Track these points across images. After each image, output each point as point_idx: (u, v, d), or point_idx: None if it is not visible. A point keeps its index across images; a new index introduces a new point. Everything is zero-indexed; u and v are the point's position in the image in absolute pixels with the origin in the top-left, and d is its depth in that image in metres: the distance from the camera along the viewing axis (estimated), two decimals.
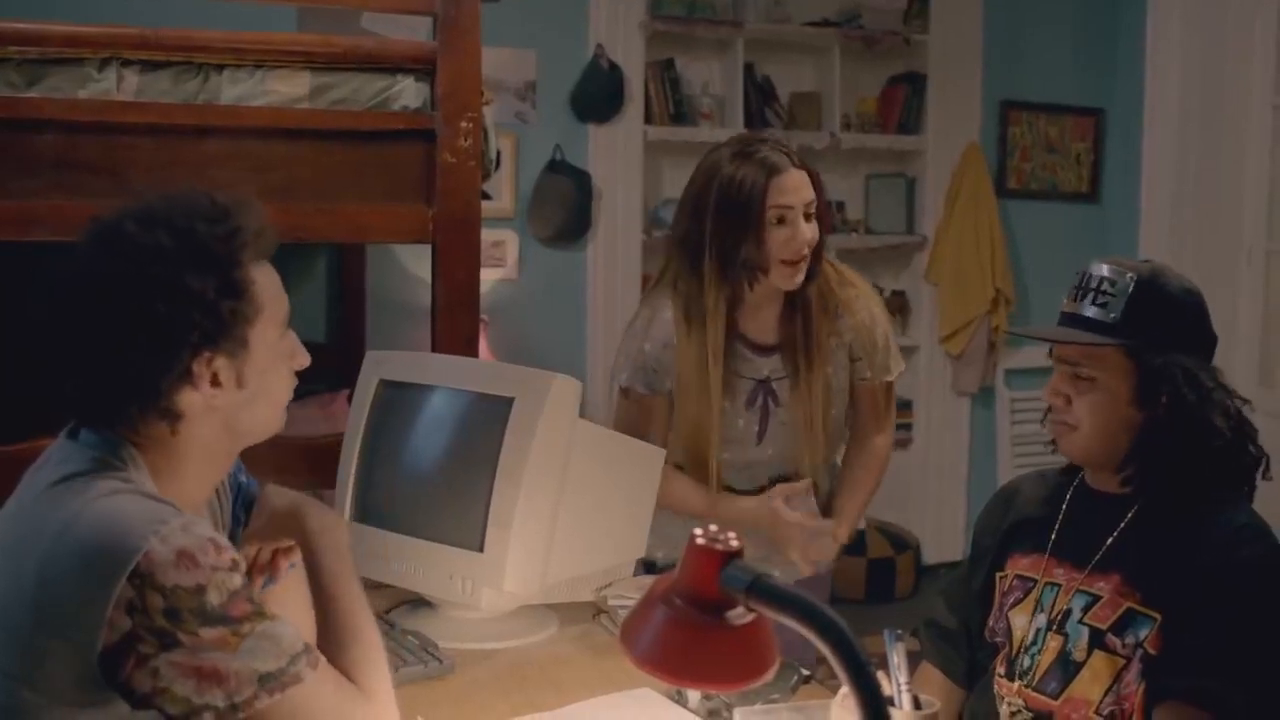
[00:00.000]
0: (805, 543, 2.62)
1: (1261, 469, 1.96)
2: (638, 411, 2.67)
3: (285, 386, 1.66)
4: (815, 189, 2.54)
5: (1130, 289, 1.91)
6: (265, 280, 1.59)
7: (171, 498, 1.52)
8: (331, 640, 1.61)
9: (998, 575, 2.12)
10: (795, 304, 2.60)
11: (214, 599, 1.40)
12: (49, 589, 1.40)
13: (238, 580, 1.44)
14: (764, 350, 2.64)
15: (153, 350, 1.49)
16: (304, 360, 1.67)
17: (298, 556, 1.76)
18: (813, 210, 2.52)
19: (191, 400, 1.53)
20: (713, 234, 2.51)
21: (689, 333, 2.57)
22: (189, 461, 1.58)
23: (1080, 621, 1.94)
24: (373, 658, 1.61)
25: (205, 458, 1.60)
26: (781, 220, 2.48)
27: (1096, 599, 1.94)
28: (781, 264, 2.50)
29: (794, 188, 2.50)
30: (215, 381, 1.54)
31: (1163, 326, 1.91)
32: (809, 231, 2.50)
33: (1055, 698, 1.94)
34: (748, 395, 2.64)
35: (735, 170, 2.50)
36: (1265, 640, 1.83)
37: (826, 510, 2.73)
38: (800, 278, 2.53)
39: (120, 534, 1.40)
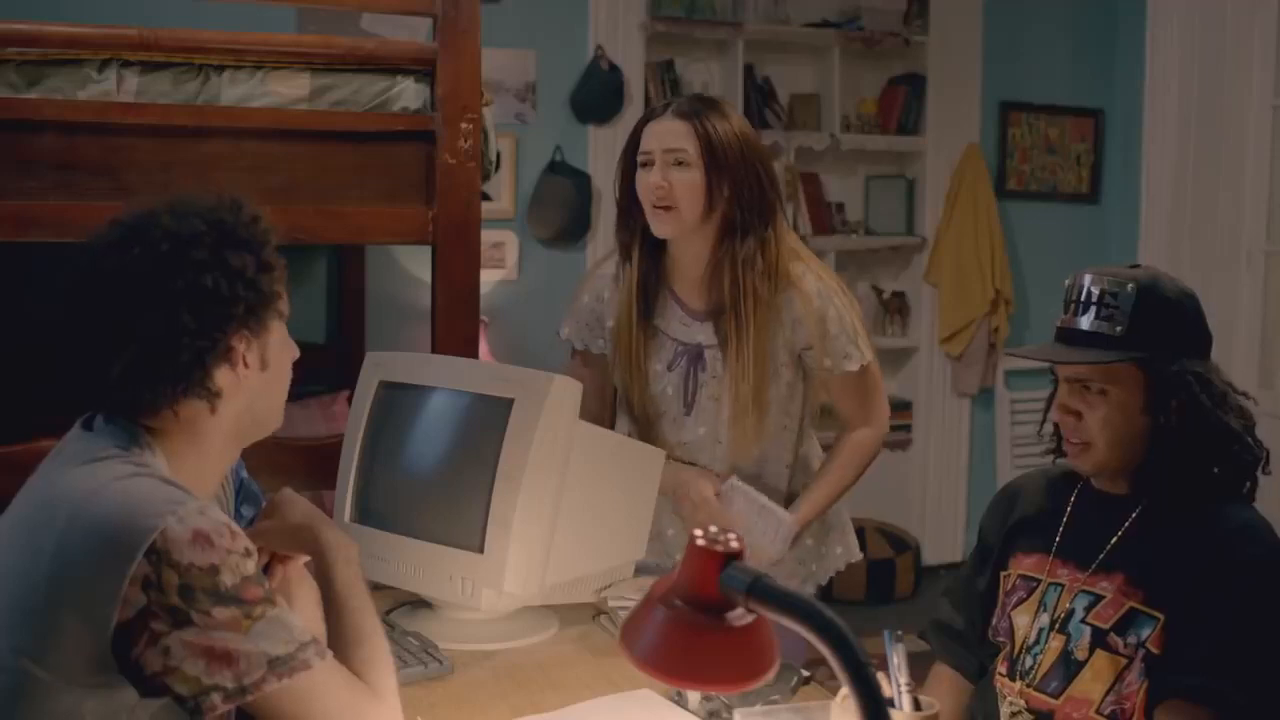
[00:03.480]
0: (708, 519, 2.47)
1: (1262, 464, 1.97)
2: (570, 364, 2.70)
3: (289, 375, 1.72)
4: (701, 141, 2.46)
5: (1134, 299, 1.91)
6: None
7: (198, 484, 1.57)
8: (341, 642, 1.63)
9: (1001, 574, 2.12)
10: (722, 266, 2.51)
11: (227, 580, 1.43)
12: (66, 564, 1.43)
13: (250, 566, 1.47)
14: (698, 315, 2.58)
15: (201, 326, 1.55)
16: (296, 352, 1.74)
17: (297, 565, 1.79)
18: (686, 158, 2.46)
19: (228, 379, 1.60)
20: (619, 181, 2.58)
21: (619, 281, 2.61)
22: (208, 445, 1.63)
23: (1083, 621, 1.94)
24: (380, 659, 1.64)
25: (223, 443, 1.65)
26: (644, 165, 2.50)
27: (1099, 599, 1.94)
28: (649, 208, 2.50)
29: (657, 133, 2.50)
30: (245, 361, 1.61)
31: (1168, 333, 1.92)
32: (658, 176, 2.47)
33: (1056, 697, 1.94)
34: (671, 358, 2.59)
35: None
36: (1267, 640, 1.84)
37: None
38: (663, 226, 2.49)
39: (138, 512, 1.43)
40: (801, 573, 2.72)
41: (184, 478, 1.56)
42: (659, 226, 2.50)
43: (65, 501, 1.48)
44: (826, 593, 2.82)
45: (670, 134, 2.48)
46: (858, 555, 2.84)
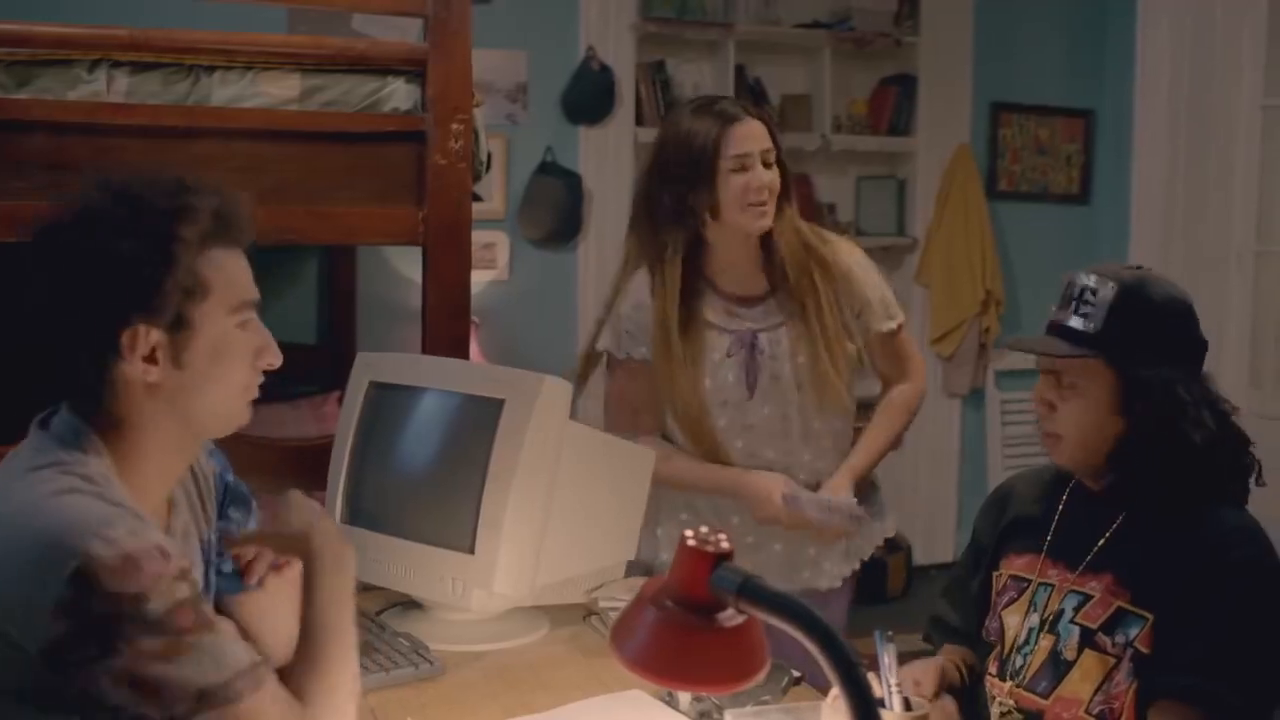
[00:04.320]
0: (789, 522, 2.58)
1: (1255, 476, 1.97)
2: (615, 378, 2.71)
3: (242, 379, 1.62)
4: (773, 138, 2.59)
5: (1112, 299, 1.91)
6: (225, 264, 1.57)
7: (135, 488, 1.51)
8: (306, 665, 1.58)
9: (994, 575, 2.13)
10: (776, 252, 2.62)
11: (156, 606, 1.37)
12: None
13: (184, 591, 1.41)
14: (746, 302, 2.65)
15: (77, 312, 1.49)
16: (272, 358, 1.64)
17: (291, 573, 1.73)
18: (771, 158, 2.57)
19: (124, 374, 1.52)
20: (668, 185, 2.57)
21: (653, 286, 2.62)
22: (146, 448, 1.56)
23: (1071, 621, 1.95)
24: (341, 689, 1.58)
25: (161, 445, 1.57)
26: (742, 168, 2.54)
27: (1088, 598, 1.94)
28: (749, 207, 2.55)
29: (750, 135, 2.55)
30: (152, 358, 1.52)
31: (1145, 335, 1.92)
32: (767, 175, 2.55)
33: (1045, 697, 1.95)
34: (729, 344, 2.63)
35: (692, 124, 2.57)
36: (1257, 640, 1.84)
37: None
38: (766, 221, 2.57)
39: (65, 535, 1.38)
40: (849, 546, 2.76)
41: (133, 481, 1.52)
42: (762, 223, 2.57)
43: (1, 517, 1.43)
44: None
45: (760, 135, 2.57)
46: (894, 530, 2.92)
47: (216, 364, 1.57)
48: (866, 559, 2.81)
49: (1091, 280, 1.95)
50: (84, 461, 1.50)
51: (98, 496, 1.45)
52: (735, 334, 2.63)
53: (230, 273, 1.58)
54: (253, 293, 1.62)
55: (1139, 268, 2.01)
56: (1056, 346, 1.95)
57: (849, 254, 2.70)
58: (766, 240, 2.62)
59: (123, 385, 1.53)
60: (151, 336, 1.51)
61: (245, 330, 1.60)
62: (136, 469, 1.55)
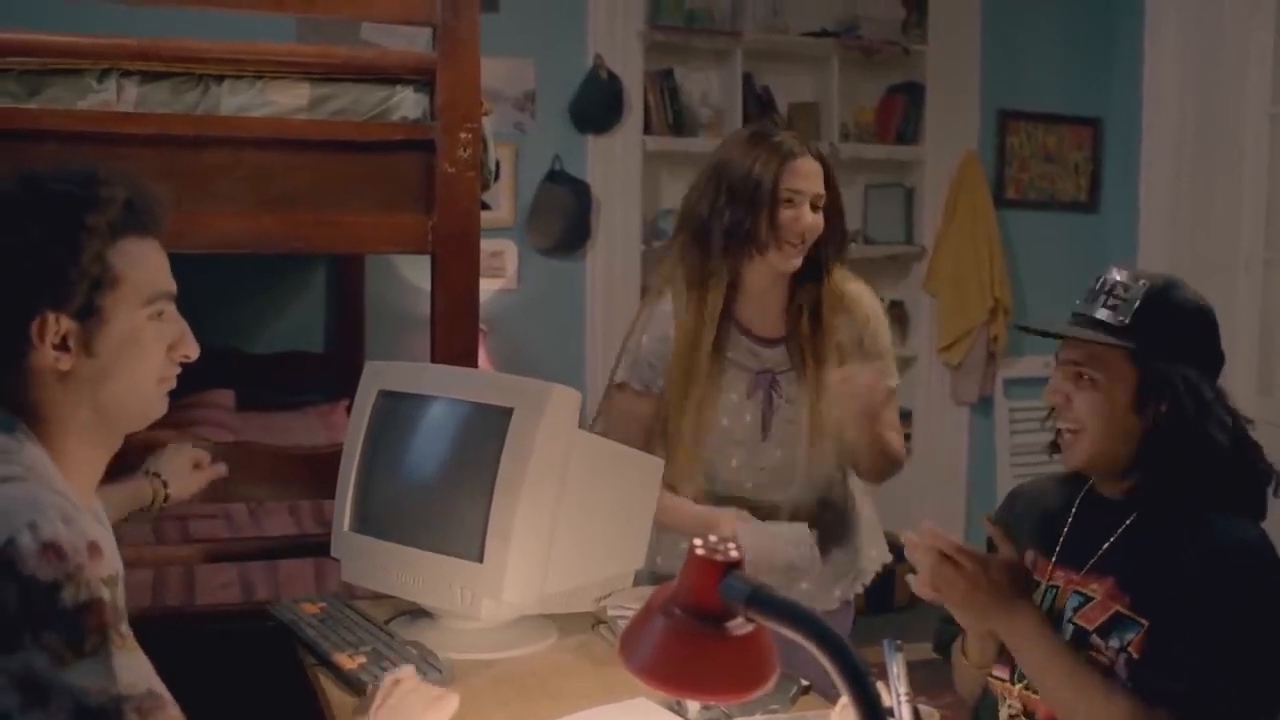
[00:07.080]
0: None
1: (1272, 486, 1.96)
2: (627, 408, 2.65)
3: (156, 370, 1.62)
4: (828, 185, 2.57)
5: (1142, 295, 1.93)
6: (137, 254, 1.58)
7: (68, 480, 1.50)
8: None
9: None
10: (801, 297, 2.62)
11: (68, 598, 1.35)
12: None
13: (104, 593, 1.38)
14: (767, 342, 2.63)
15: None
16: (188, 350, 1.65)
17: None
18: (820, 203, 2.55)
19: (37, 363, 1.52)
20: (724, 210, 2.54)
21: (687, 305, 2.59)
22: (66, 439, 1.55)
23: (1069, 620, 1.95)
24: None
25: (81, 438, 1.57)
26: (789, 202, 2.52)
27: (1088, 600, 1.94)
28: (784, 244, 2.53)
29: (806, 173, 2.54)
30: (63, 346, 1.52)
31: (1170, 336, 1.93)
32: (810, 218, 2.53)
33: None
34: (749, 385, 2.62)
35: (751, 151, 2.55)
36: (1245, 653, 1.82)
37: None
38: (797, 261, 2.55)
39: None
40: (841, 580, 2.75)
41: (64, 471, 1.51)
42: (791, 262, 2.56)
43: None
44: None
45: (815, 177, 2.55)
46: (889, 557, 2.86)
47: (128, 354, 1.57)
48: (865, 586, 2.80)
49: (1123, 276, 1.96)
50: (24, 449, 1.50)
51: (39, 483, 1.45)
52: (755, 374, 2.62)
53: (143, 263, 1.59)
54: (168, 284, 1.62)
55: (1167, 275, 2.03)
56: (1085, 332, 1.96)
57: (871, 303, 2.71)
58: (794, 283, 2.61)
59: (37, 374, 1.53)
60: (62, 324, 1.52)
61: (160, 321, 1.61)
62: (63, 459, 1.54)
